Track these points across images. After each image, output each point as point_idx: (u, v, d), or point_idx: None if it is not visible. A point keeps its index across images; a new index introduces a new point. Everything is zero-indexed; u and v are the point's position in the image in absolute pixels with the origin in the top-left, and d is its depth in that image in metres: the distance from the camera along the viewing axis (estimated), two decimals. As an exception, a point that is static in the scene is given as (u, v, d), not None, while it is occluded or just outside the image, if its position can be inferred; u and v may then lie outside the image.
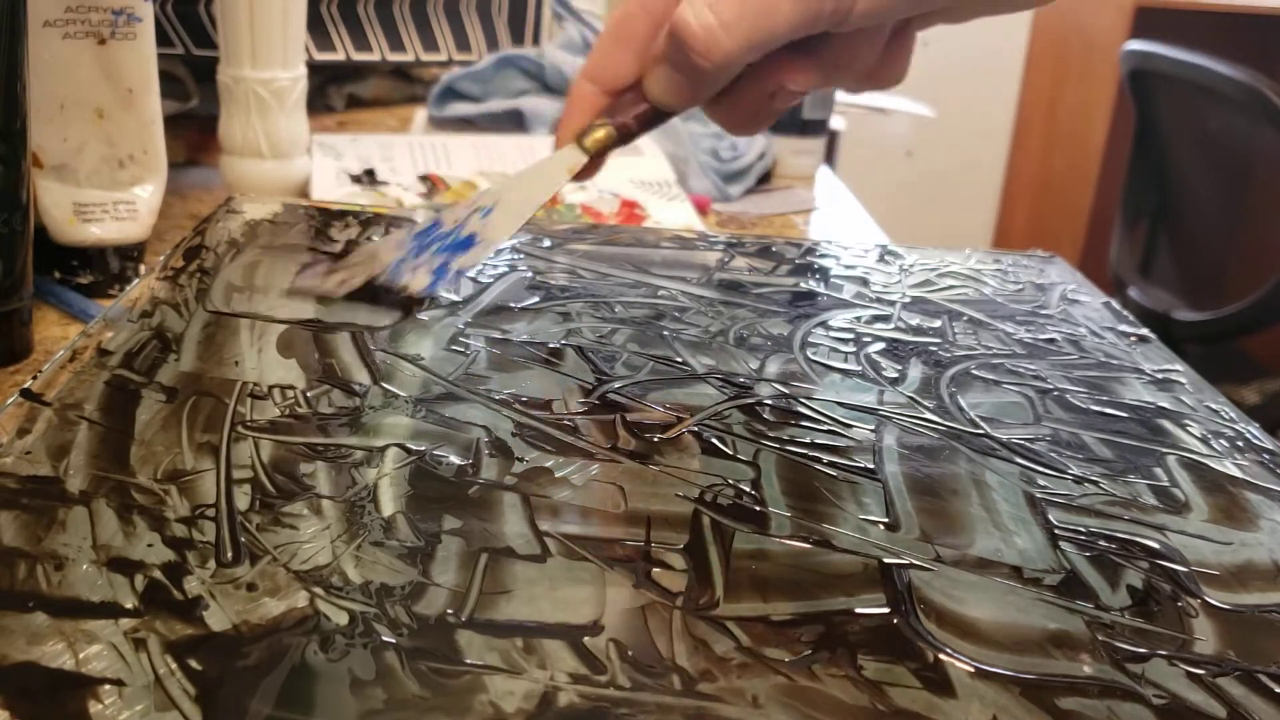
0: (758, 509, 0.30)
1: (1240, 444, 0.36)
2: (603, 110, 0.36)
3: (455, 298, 0.42)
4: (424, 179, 0.66)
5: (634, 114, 0.36)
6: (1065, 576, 0.28)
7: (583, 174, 0.38)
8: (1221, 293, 1.68)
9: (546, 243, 0.49)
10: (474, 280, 0.44)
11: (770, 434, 0.34)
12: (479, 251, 0.38)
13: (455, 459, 0.31)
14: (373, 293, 0.40)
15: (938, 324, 0.44)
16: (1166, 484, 0.33)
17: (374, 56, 0.88)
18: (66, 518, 0.27)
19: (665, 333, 0.41)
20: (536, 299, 0.43)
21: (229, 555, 0.26)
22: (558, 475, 0.31)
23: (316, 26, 0.82)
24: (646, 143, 0.74)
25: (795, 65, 0.33)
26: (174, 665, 0.22)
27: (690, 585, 0.26)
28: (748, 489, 0.31)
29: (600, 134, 0.36)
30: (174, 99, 0.73)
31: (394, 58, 0.89)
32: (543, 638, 0.24)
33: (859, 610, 0.26)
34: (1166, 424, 0.37)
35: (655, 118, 0.36)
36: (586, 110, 0.36)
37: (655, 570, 0.27)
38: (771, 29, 0.31)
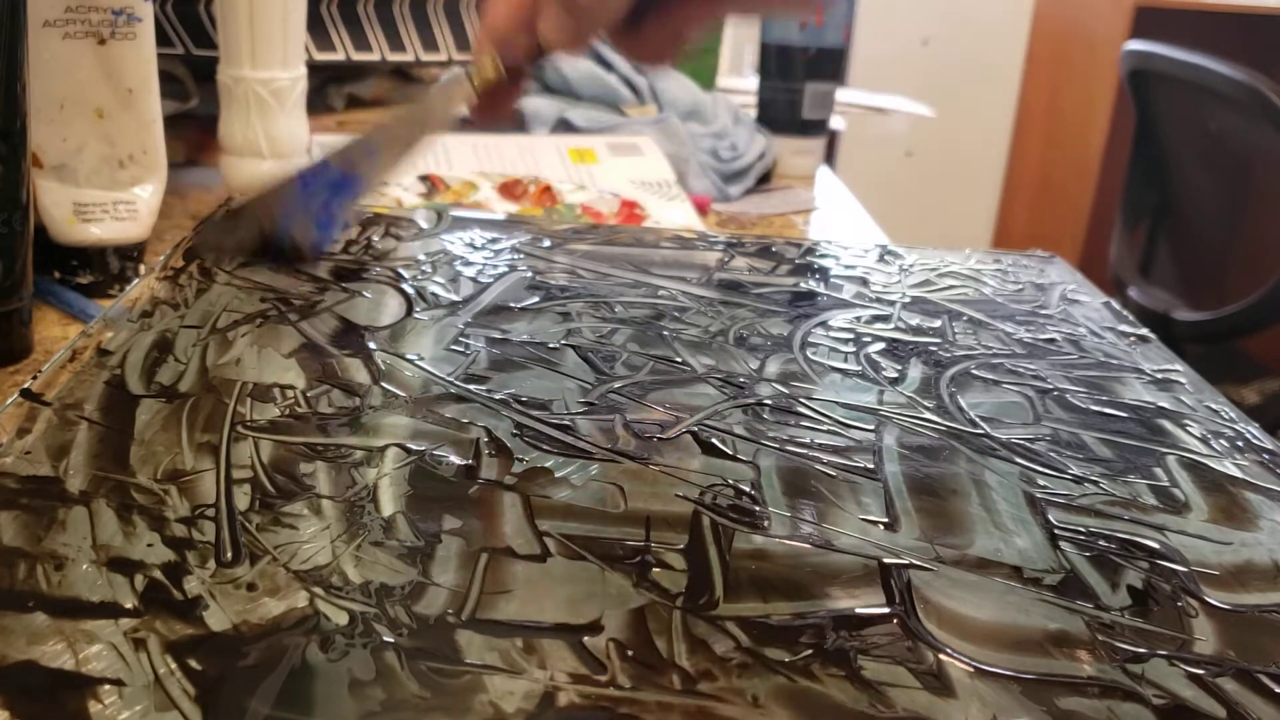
0: (758, 509, 0.30)
1: (1240, 444, 0.36)
2: (491, 45, 0.38)
3: (455, 297, 0.42)
4: (424, 179, 0.66)
5: (523, 53, 0.37)
6: (1065, 576, 0.28)
7: (478, 112, 0.39)
8: (1221, 293, 1.68)
9: (546, 243, 0.49)
10: (474, 280, 0.44)
11: (770, 434, 0.34)
12: (361, 192, 0.38)
13: (455, 459, 0.31)
14: (265, 252, 0.39)
15: (938, 324, 0.44)
16: (1166, 484, 0.33)
17: (374, 56, 0.88)
18: (66, 518, 0.27)
19: (665, 333, 0.41)
20: (536, 299, 0.43)
21: (229, 555, 0.26)
22: (558, 475, 0.31)
23: (316, 26, 0.82)
24: (646, 143, 0.74)
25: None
26: (174, 665, 0.22)
27: (690, 585, 0.26)
28: (748, 489, 0.31)
29: (488, 69, 0.38)
30: (174, 99, 0.73)
31: (394, 58, 0.89)
32: (543, 638, 0.24)
33: (859, 610, 0.26)
34: (1166, 424, 0.37)
35: (541, 53, 0.38)
36: (477, 43, 0.38)
37: (655, 570, 0.27)
38: None
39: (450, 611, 0.25)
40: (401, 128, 0.39)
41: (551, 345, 0.39)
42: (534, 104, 0.82)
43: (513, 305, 0.42)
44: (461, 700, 0.22)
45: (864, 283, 0.48)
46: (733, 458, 0.32)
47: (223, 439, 0.31)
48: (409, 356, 0.37)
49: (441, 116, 0.38)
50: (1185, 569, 0.29)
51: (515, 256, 0.47)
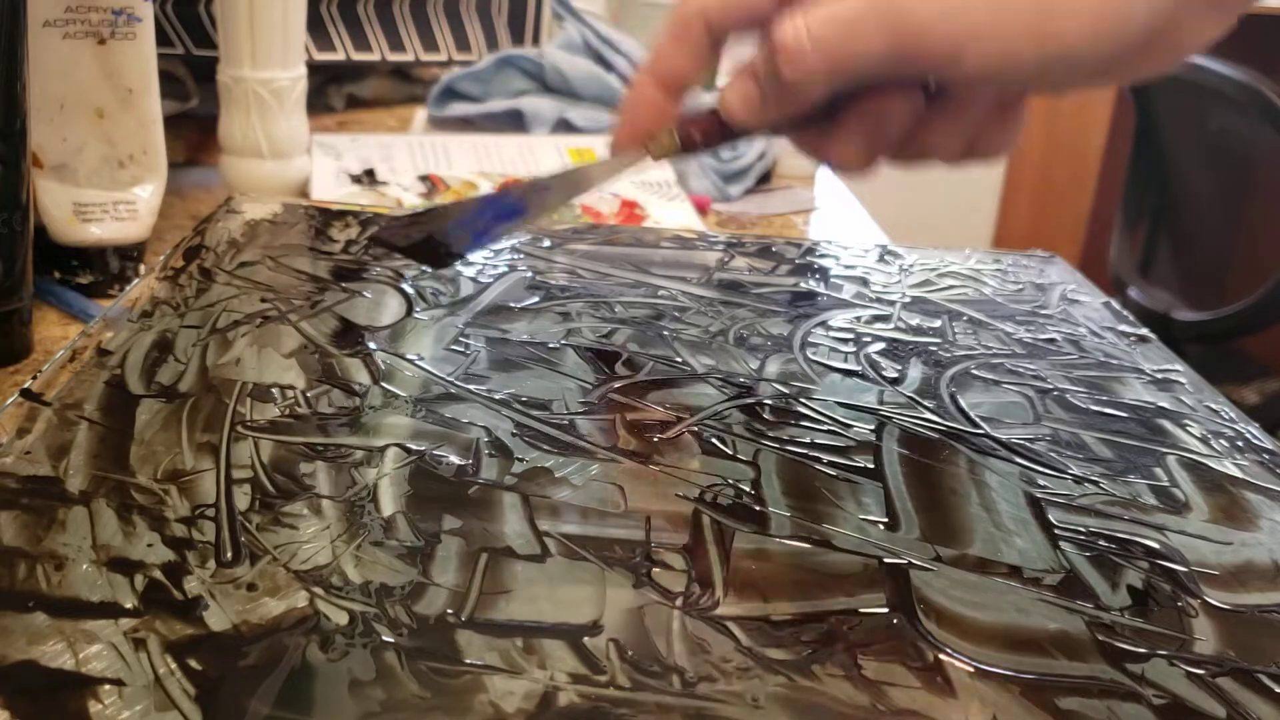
0: (758, 509, 0.30)
1: (1240, 444, 0.36)
2: (664, 113, 0.35)
3: (455, 297, 0.42)
4: (424, 179, 0.66)
5: (701, 126, 0.34)
6: (1065, 576, 0.28)
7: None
8: (1221, 293, 1.68)
9: (546, 243, 0.49)
10: (474, 280, 0.44)
11: (770, 434, 0.34)
12: (522, 221, 0.38)
13: (455, 459, 0.31)
14: (420, 252, 0.39)
15: (938, 324, 0.44)
16: (1166, 484, 0.33)
17: (374, 56, 0.88)
18: (66, 518, 0.27)
19: (665, 333, 0.41)
20: (536, 299, 0.43)
21: (229, 555, 0.26)
22: (558, 475, 0.31)
23: (316, 26, 0.82)
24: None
25: (893, 98, 0.31)
26: (174, 665, 0.22)
27: (690, 585, 0.26)
28: (748, 489, 0.31)
29: (665, 142, 0.35)
30: (174, 99, 0.73)
31: (394, 58, 0.89)
32: (543, 638, 0.24)
33: (859, 610, 0.26)
34: (1166, 424, 0.37)
35: (724, 133, 0.34)
36: (648, 112, 0.35)
37: (655, 570, 0.27)
38: (856, 56, 0.29)
39: (450, 611, 0.25)
40: (575, 178, 0.38)
41: (551, 345, 0.39)
42: (534, 104, 0.82)
43: (513, 305, 0.42)
44: (461, 700, 0.22)
45: (864, 283, 0.48)
46: (733, 458, 0.32)
47: (223, 439, 0.31)
48: (409, 356, 0.37)
49: (611, 176, 0.37)
50: (1185, 569, 0.29)
51: (515, 256, 0.47)
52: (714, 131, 0.34)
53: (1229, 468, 0.34)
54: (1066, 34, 0.27)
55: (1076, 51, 0.28)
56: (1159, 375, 0.41)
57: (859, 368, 0.39)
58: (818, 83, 0.30)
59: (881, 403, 0.37)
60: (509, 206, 0.37)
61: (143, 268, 0.51)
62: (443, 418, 0.33)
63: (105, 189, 0.49)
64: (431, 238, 0.37)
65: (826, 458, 0.33)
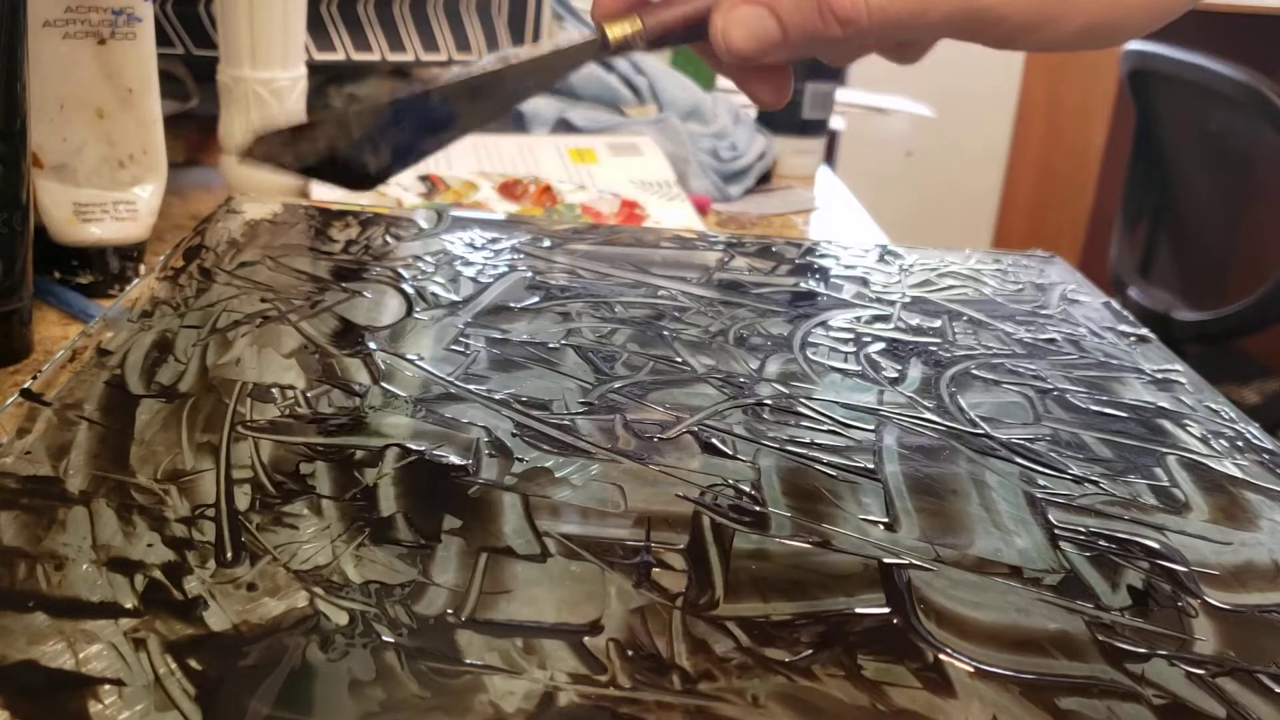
0: (758, 509, 0.30)
1: (1240, 444, 0.36)
2: (634, 3, 0.32)
3: (455, 297, 0.42)
4: (424, 179, 0.66)
5: (666, 24, 0.31)
6: (1065, 576, 0.28)
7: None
8: (1221, 293, 1.68)
9: (546, 243, 0.49)
10: (474, 280, 0.44)
11: (770, 434, 0.34)
12: (452, 136, 0.34)
13: (455, 459, 0.31)
14: (331, 168, 0.34)
15: (938, 324, 0.44)
16: (1166, 484, 0.33)
17: (374, 56, 0.88)
18: (66, 518, 0.27)
19: (665, 333, 0.41)
20: (536, 299, 0.43)
21: (229, 555, 0.26)
22: (558, 475, 0.31)
23: (316, 26, 0.82)
24: (646, 143, 0.74)
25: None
26: (174, 665, 0.22)
27: (690, 585, 0.26)
28: (748, 489, 0.31)
29: (628, 30, 0.32)
30: (174, 99, 0.73)
31: (394, 58, 0.89)
32: (543, 638, 0.24)
33: (859, 610, 0.26)
34: (1166, 424, 0.37)
35: (688, 37, 0.32)
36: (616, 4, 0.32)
37: (655, 570, 0.27)
38: (921, 24, 0.28)
39: (450, 611, 0.25)
40: (515, 75, 0.35)
41: (551, 345, 0.39)
42: (534, 104, 0.82)
43: (513, 305, 0.42)
44: (461, 700, 0.22)
45: (864, 283, 0.48)
46: (733, 458, 0.32)
47: (223, 439, 0.31)
48: (409, 356, 0.37)
49: (558, 74, 0.34)
50: (1185, 569, 0.29)
51: (515, 256, 0.47)
52: (679, 34, 0.32)
53: (1229, 468, 0.34)
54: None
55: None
56: (1159, 375, 0.41)
57: (859, 368, 0.39)
58: (867, 45, 0.29)
59: (881, 403, 0.37)
60: (434, 113, 0.33)
61: (143, 268, 0.51)
62: (443, 418, 0.33)
63: (105, 189, 0.49)
64: (336, 156, 0.33)
65: (826, 458, 0.33)
